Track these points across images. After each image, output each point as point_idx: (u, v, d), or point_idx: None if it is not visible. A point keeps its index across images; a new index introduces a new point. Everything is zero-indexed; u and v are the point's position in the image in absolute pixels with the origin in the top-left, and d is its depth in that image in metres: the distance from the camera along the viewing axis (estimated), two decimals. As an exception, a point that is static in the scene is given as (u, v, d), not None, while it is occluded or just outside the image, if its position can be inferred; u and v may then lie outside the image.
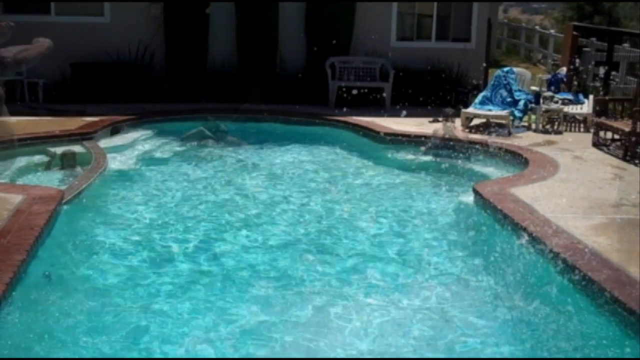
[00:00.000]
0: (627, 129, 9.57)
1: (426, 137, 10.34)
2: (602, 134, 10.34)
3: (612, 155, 9.76)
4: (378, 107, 13.27)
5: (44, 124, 10.63)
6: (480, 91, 12.59)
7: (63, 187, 7.66)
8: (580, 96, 12.52)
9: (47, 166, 8.83)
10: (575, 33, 14.28)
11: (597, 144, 10.28)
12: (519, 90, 12.10)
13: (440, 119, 10.68)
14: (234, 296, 5.49)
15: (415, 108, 12.43)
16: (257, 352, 4.62)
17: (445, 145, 9.86)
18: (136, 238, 6.71)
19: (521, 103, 11.76)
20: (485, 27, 14.78)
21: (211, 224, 7.26)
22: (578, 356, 4.54)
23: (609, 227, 6.53)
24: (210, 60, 13.54)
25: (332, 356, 4.55)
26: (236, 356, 4.63)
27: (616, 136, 10.04)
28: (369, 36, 13.96)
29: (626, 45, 15.57)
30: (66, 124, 10.64)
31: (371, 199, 8.33)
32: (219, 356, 4.63)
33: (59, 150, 9.03)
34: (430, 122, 11.44)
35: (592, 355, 4.53)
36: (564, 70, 13.76)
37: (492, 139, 10.56)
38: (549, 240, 5.95)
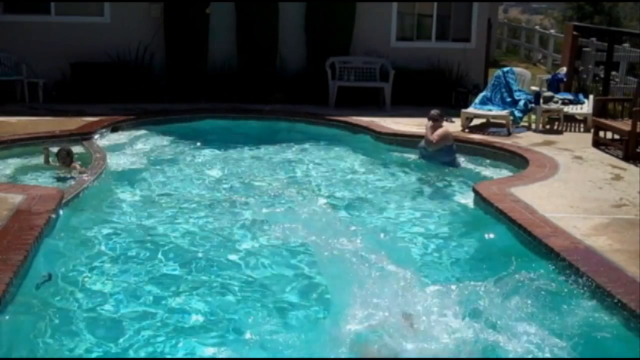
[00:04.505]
0: (627, 129, 9.58)
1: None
2: (602, 134, 10.34)
3: (612, 155, 9.76)
4: (378, 107, 13.30)
5: (44, 124, 10.64)
6: (480, 91, 12.59)
7: (60, 186, 7.69)
8: (580, 96, 12.52)
9: (45, 162, 8.80)
10: (575, 33, 14.26)
11: (597, 144, 10.29)
12: (519, 90, 12.09)
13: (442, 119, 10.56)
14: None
15: (416, 108, 12.44)
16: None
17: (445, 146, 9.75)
18: (136, 237, 6.70)
19: (521, 103, 11.75)
20: (485, 27, 14.78)
21: (210, 220, 7.26)
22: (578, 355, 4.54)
23: (609, 227, 6.53)
24: (210, 60, 13.55)
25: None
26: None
27: (616, 136, 10.04)
28: (369, 36, 13.97)
29: (626, 45, 15.56)
30: (66, 124, 10.65)
31: (369, 197, 8.32)
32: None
33: (55, 148, 8.98)
34: (430, 122, 11.43)
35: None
36: (564, 70, 13.77)
37: (493, 139, 10.57)
38: (549, 239, 5.95)
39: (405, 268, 5.53)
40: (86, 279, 5.67)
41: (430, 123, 9.63)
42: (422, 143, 9.73)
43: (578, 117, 11.97)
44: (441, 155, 9.50)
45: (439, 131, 9.53)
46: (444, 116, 10.13)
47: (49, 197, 6.82)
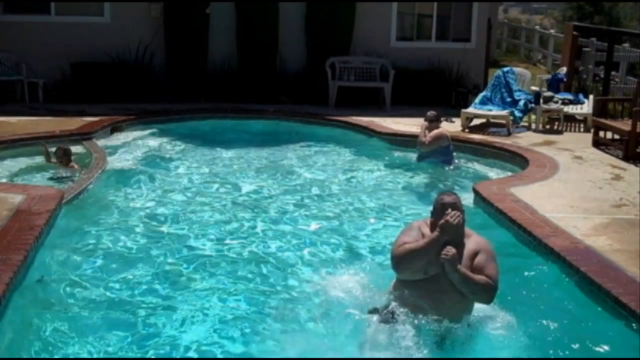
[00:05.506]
0: (627, 129, 9.58)
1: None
2: (602, 134, 10.35)
3: (612, 155, 9.76)
4: (378, 107, 13.30)
5: (44, 124, 10.65)
6: (480, 91, 12.60)
7: (59, 186, 7.69)
8: (580, 96, 12.52)
9: (46, 161, 8.80)
10: (575, 33, 14.27)
11: (597, 144, 10.29)
12: (519, 90, 12.09)
13: (443, 119, 10.54)
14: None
15: (416, 108, 12.44)
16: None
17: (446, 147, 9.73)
18: (136, 236, 6.69)
19: (521, 103, 11.75)
20: (485, 27, 14.79)
21: (210, 220, 7.26)
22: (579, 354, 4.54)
23: (609, 227, 6.53)
24: (210, 60, 13.55)
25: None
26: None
27: (616, 136, 10.05)
28: (369, 36, 13.97)
29: (626, 45, 15.56)
30: (66, 124, 10.65)
31: (368, 197, 8.32)
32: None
33: (54, 148, 8.98)
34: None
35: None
36: (564, 70, 13.77)
37: (492, 139, 10.57)
38: (549, 239, 5.95)
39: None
40: (86, 279, 5.66)
41: (426, 124, 9.58)
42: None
43: (578, 117, 11.97)
44: (437, 155, 9.48)
45: (433, 132, 9.46)
46: (442, 117, 10.06)
47: (49, 197, 6.83)
